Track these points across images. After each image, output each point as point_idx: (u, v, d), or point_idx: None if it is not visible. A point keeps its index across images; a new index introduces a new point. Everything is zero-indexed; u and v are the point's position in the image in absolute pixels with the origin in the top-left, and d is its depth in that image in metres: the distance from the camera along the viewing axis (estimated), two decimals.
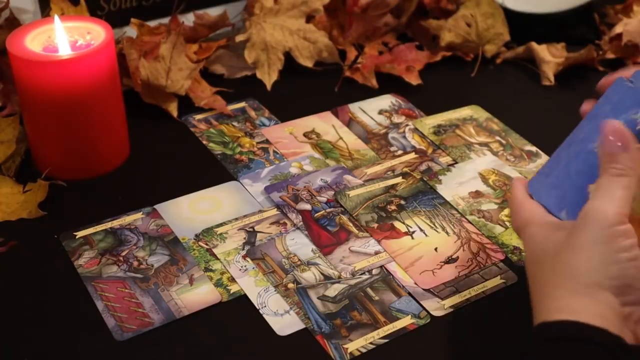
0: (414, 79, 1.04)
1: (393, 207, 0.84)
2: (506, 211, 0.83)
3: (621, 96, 0.62)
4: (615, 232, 0.56)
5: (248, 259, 0.77)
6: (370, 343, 0.69)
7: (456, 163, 0.91)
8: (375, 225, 0.81)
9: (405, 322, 0.71)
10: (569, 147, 0.65)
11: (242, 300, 0.73)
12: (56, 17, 0.83)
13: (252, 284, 0.74)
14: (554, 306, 0.57)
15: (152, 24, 1.04)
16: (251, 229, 0.80)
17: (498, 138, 0.95)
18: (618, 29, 1.09)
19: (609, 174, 0.58)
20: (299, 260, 0.77)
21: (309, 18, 1.06)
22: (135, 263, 0.76)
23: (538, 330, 0.57)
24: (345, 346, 0.68)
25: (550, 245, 0.60)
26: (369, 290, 0.74)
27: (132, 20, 1.01)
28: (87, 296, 0.73)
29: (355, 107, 1.00)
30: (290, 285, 0.74)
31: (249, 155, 0.91)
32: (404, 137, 0.95)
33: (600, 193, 0.57)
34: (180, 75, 0.95)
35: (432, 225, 0.81)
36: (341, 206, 0.84)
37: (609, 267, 0.56)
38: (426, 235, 0.80)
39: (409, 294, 0.74)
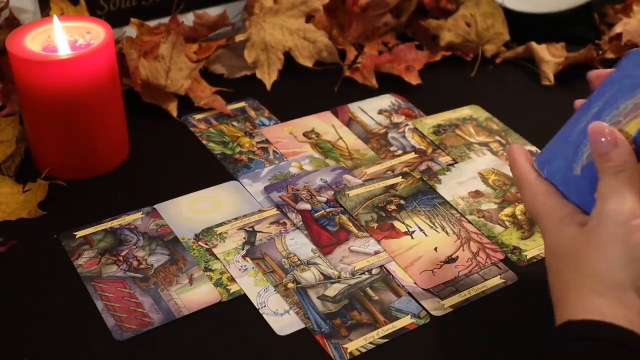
0: (414, 79, 1.04)
1: (393, 207, 0.84)
2: (507, 211, 0.83)
3: (630, 68, 0.60)
4: (633, 228, 0.56)
5: (248, 259, 0.77)
6: (370, 343, 0.69)
7: (456, 163, 0.91)
8: (375, 225, 0.81)
9: (405, 322, 0.71)
10: (575, 124, 0.63)
11: (242, 300, 0.73)
12: (55, 18, 0.83)
13: (252, 284, 0.74)
14: (580, 306, 0.56)
15: (152, 24, 1.04)
16: (251, 229, 0.80)
17: (498, 138, 0.95)
18: (618, 29, 1.09)
19: (609, 173, 0.58)
20: (299, 260, 0.77)
21: (309, 18, 1.06)
22: (135, 263, 0.76)
23: (563, 329, 0.56)
24: (345, 346, 0.68)
25: (566, 242, 0.59)
26: (369, 290, 0.74)
27: (132, 20, 1.01)
28: (87, 296, 0.73)
29: (355, 107, 1.00)
30: (290, 285, 0.74)
31: (249, 155, 0.91)
32: (404, 137, 0.95)
33: (608, 194, 0.57)
34: (180, 75, 0.95)
35: (432, 225, 0.81)
36: (341, 206, 0.84)
37: (630, 265, 0.55)
38: (426, 235, 0.80)
39: (409, 294, 0.74)
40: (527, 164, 0.65)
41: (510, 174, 0.88)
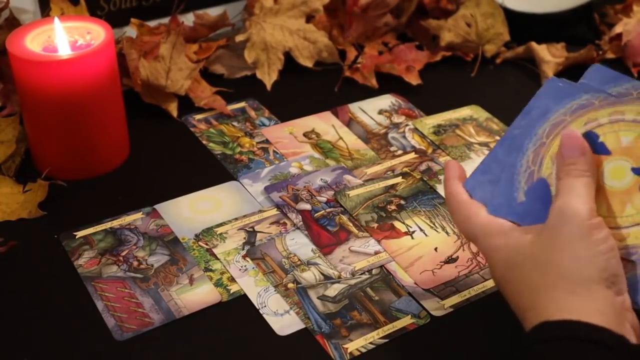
0: (414, 79, 1.04)
1: (393, 207, 0.84)
2: None
3: (544, 98, 0.65)
4: (591, 226, 0.58)
5: (248, 259, 0.77)
6: (370, 343, 0.69)
7: None
8: (375, 225, 0.81)
9: (405, 322, 0.71)
10: (503, 144, 0.66)
11: (242, 300, 0.73)
12: (56, 19, 0.83)
13: (252, 284, 0.74)
14: (552, 307, 0.57)
15: (152, 24, 1.04)
16: (251, 229, 0.80)
17: (498, 138, 0.95)
18: (618, 29, 1.09)
19: (571, 175, 0.60)
20: (299, 260, 0.77)
21: (309, 18, 1.06)
22: (135, 263, 0.76)
23: (539, 330, 0.57)
24: (345, 346, 0.68)
25: (525, 249, 0.60)
26: (369, 290, 0.74)
27: (132, 20, 1.01)
28: (87, 296, 0.73)
29: (355, 107, 1.00)
30: (290, 285, 0.74)
31: (248, 155, 0.91)
32: (404, 137, 0.95)
33: (567, 192, 0.59)
34: (180, 75, 0.95)
35: (432, 225, 0.81)
36: (341, 206, 0.84)
37: (594, 260, 0.57)
38: (426, 235, 0.80)
39: (409, 294, 0.74)
40: (459, 183, 0.66)
41: None
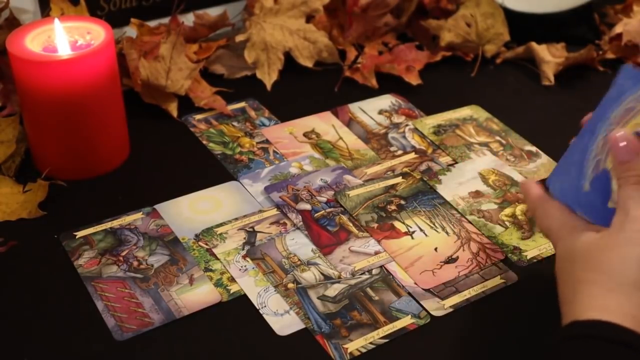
0: (414, 79, 1.04)
1: (393, 207, 0.84)
2: (507, 211, 0.83)
3: (623, 79, 0.62)
4: None
5: (248, 259, 0.77)
6: (370, 343, 0.69)
7: (456, 163, 0.91)
8: (375, 225, 0.81)
9: (405, 322, 0.71)
10: (581, 139, 0.65)
11: (242, 300, 0.73)
12: (56, 20, 0.83)
13: (252, 284, 0.74)
14: (587, 304, 0.57)
15: (152, 24, 1.04)
16: (251, 229, 0.80)
17: (498, 138, 0.95)
18: (618, 29, 1.09)
19: (630, 182, 0.59)
20: (299, 260, 0.77)
21: (309, 18, 1.06)
22: (135, 263, 0.76)
23: (568, 328, 0.57)
24: (345, 346, 0.68)
25: (581, 244, 0.61)
26: (369, 290, 0.74)
27: (132, 20, 1.01)
28: (87, 296, 0.73)
29: (355, 107, 1.00)
30: (290, 285, 0.74)
31: (249, 155, 0.91)
32: (404, 137, 0.95)
33: (630, 203, 0.59)
34: (180, 75, 0.95)
35: (432, 225, 0.81)
36: (341, 206, 0.84)
37: None
38: (426, 235, 0.80)
39: (409, 294, 0.74)
40: (539, 189, 0.67)
41: (511, 174, 0.88)
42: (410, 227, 0.81)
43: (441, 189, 0.86)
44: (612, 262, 0.58)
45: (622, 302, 0.56)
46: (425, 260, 0.77)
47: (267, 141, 0.94)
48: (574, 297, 0.59)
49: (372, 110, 1.00)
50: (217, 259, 0.77)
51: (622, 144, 0.59)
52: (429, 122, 0.97)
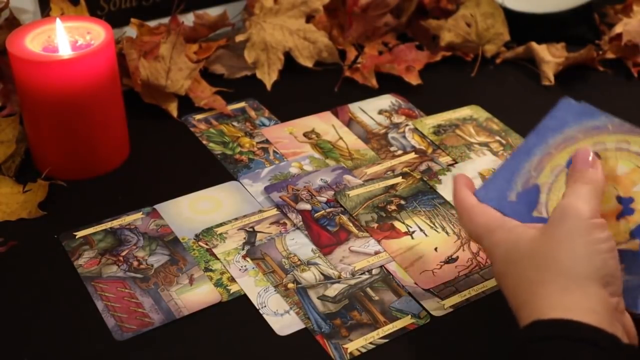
0: (414, 79, 1.04)
1: (393, 207, 0.84)
2: None
3: (564, 112, 0.68)
4: (593, 225, 0.58)
5: (248, 259, 0.77)
6: (370, 343, 0.69)
7: (456, 163, 0.91)
8: (375, 225, 0.81)
9: (405, 322, 0.71)
10: (514, 157, 0.69)
11: (242, 300, 0.73)
12: (58, 20, 0.83)
13: (252, 284, 0.74)
14: (546, 303, 0.57)
15: (152, 24, 1.04)
16: (251, 229, 0.80)
17: (498, 138, 0.95)
18: (618, 29, 1.09)
19: (577, 181, 0.62)
20: (299, 260, 0.77)
21: (309, 18, 1.06)
22: (135, 263, 0.76)
23: (530, 329, 0.57)
24: (345, 346, 0.68)
25: (524, 244, 0.61)
26: (369, 290, 0.74)
27: (132, 20, 1.01)
28: (87, 296, 0.73)
29: (355, 107, 1.00)
30: (290, 285, 0.74)
31: (248, 155, 0.91)
32: (404, 137, 0.95)
33: (572, 194, 0.61)
34: (180, 75, 0.95)
35: (432, 225, 0.81)
36: (341, 206, 0.84)
37: (592, 258, 0.58)
38: (426, 235, 0.80)
39: (409, 293, 0.74)
40: (468, 191, 0.68)
41: None
42: (410, 227, 0.81)
43: (441, 189, 0.86)
44: (561, 258, 0.58)
45: (579, 297, 0.56)
46: (425, 260, 0.77)
47: (267, 141, 0.94)
48: (529, 299, 0.58)
49: (372, 110, 1.00)
50: (217, 259, 0.77)
51: (585, 159, 0.63)
52: (429, 122, 0.97)
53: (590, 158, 0.63)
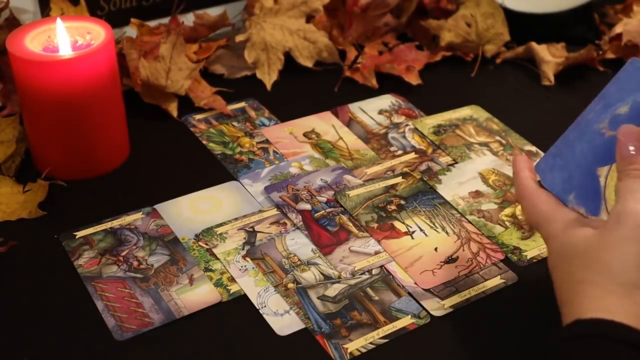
0: (414, 79, 1.04)
1: (393, 207, 0.84)
2: (507, 211, 0.83)
3: (629, 77, 0.63)
4: None
5: (248, 259, 0.77)
6: (370, 343, 0.69)
7: (456, 163, 0.91)
8: (375, 225, 0.81)
9: (405, 322, 0.71)
10: (576, 127, 0.65)
11: (242, 300, 0.73)
12: (58, 20, 0.83)
13: (252, 284, 0.74)
14: (590, 304, 0.57)
15: (152, 24, 1.04)
16: (251, 229, 0.80)
17: (498, 138, 0.95)
18: (618, 29, 1.09)
19: (631, 176, 0.59)
20: (299, 260, 0.77)
21: (309, 18, 1.06)
22: (135, 263, 0.76)
23: (572, 327, 0.56)
24: (345, 346, 0.68)
25: (578, 243, 0.60)
26: (369, 290, 0.74)
27: (132, 20, 1.01)
28: (87, 296, 0.73)
29: (355, 107, 1.00)
30: (290, 285, 0.74)
31: (248, 155, 0.91)
32: (404, 137, 0.95)
33: (625, 194, 0.58)
34: (180, 75, 0.95)
35: (432, 225, 0.81)
36: (341, 206, 0.84)
37: None
38: (426, 235, 0.80)
39: (409, 294, 0.74)
40: (529, 174, 0.66)
41: (511, 174, 0.88)
42: (410, 227, 0.81)
43: (441, 189, 0.86)
44: (611, 262, 0.57)
45: (624, 302, 0.56)
46: (425, 260, 0.77)
47: (267, 141, 0.94)
48: (574, 298, 0.58)
49: (372, 110, 1.00)
50: (217, 259, 0.77)
51: (629, 140, 0.59)
52: (429, 122, 0.97)
53: (635, 136, 0.59)
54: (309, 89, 1.04)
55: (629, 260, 0.57)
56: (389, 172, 0.89)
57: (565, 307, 0.59)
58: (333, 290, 0.74)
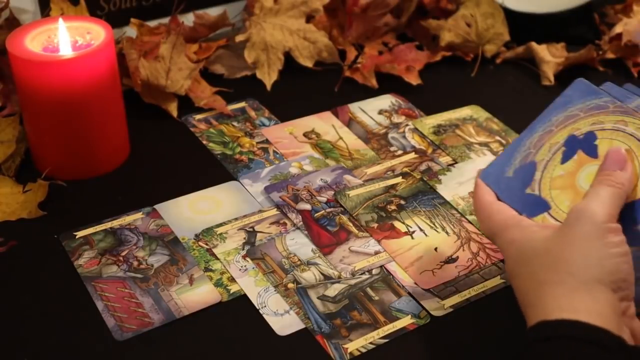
0: (414, 79, 1.04)
1: (393, 207, 0.84)
2: None
3: (573, 90, 0.69)
4: (607, 229, 0.58)
5: (248, 259, 0.77)
6: (370, 343, 0.69)
7: (456, 163, 0.91)
8: (375, 225, 0.81)
9: (405, 322, 0.71)
10: (520, 136, 0.70)
11: (242, 300, 0.73)
12: (60, 20, 0.83)
13: (252, 284, 0.74)
14: (554, 304, 0.57)
15: (152, 24, 1.04)
16: (251, 229, 0.80)
17: (498, 138, 0.95)
18: (618, 29, 1.09)
19: (602, 183, 0.61)
20: (299, 260, 0.77)
21: (309, 18, 1.06)
22: (135, 263, 0.76)
23: (537, 329, 0.57)
24: (345, 346, 0.68)
25: (538, 244, 0.61)
26: (368, 290, 0.74)
27: (132, 20, 1.01)
28: (87, 296, 0.73)
29: (355, 107, 1.00)
30: (290, 285, 0.74)
31: (248, 155, 0.91)
32: (404, 137, 0.95)
33: (592, 196, 0.60)
34: (180, 75, 0.95)
35: (432, 225, 0.81)
36: (341, 206, 0.84)
37: (604, 262, 0.57)
38: (426, 235, 0.80)
39: (409, 293, 0.74)
40: (487, 188, 0.68)
41: None
42: (410, 227, 0.81)
43: (441, 189, 0.86)
44: (572, 260, 0.58)
45: (587, 300, 0.56)
46: (425, 260, 0.77)
47: (267, 141, 0.94)
48: (538, 299, 0.58)
49: (372, 110, 1.00)
50: (217, 259, 0.77)
51: (615, 156, 0.62)
52: (429, 122, 0.97)
53: (620, 158, 0.62)
54: (309, 89, 1.04)
55: (589, 256, 0.57)
56: (389, 172, 0.89)
57: (529, 309, 0.59)
58: (333, 290, 0.74)
